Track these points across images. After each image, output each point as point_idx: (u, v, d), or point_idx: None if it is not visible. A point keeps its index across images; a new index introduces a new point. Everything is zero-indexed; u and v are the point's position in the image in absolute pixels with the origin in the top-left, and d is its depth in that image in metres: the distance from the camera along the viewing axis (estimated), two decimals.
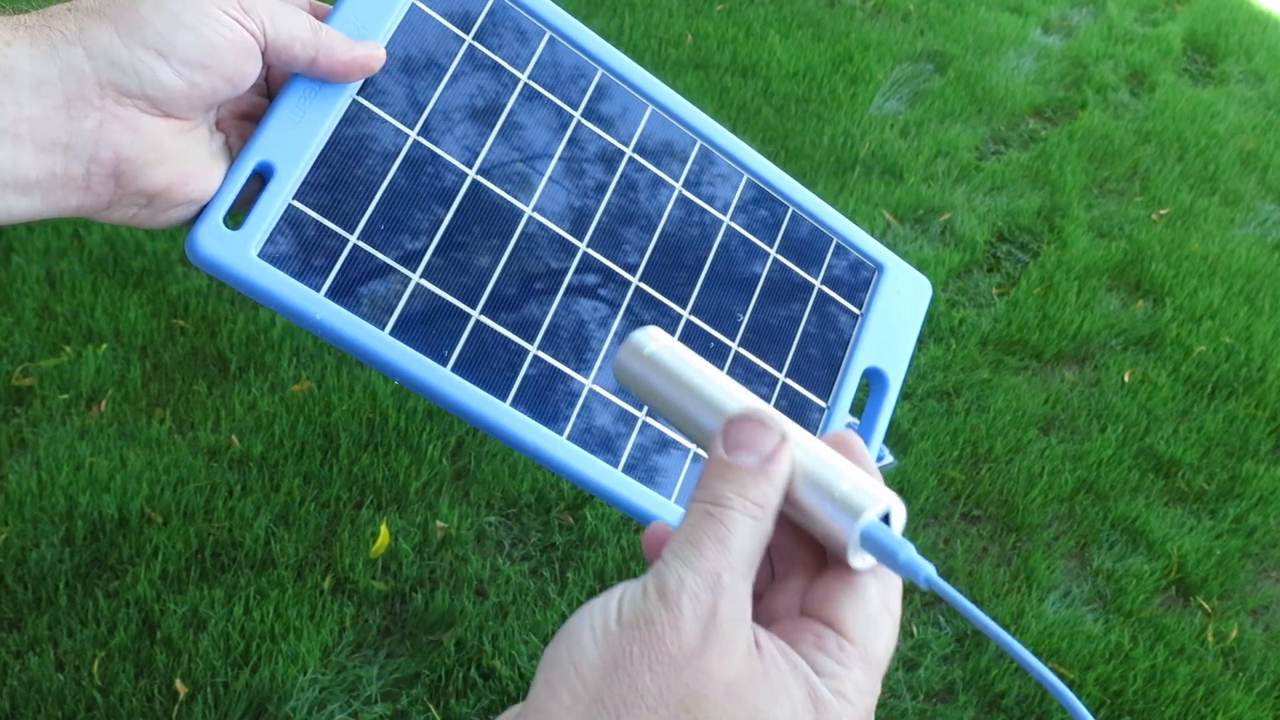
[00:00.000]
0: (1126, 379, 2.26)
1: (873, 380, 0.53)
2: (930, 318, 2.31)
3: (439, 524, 1.69)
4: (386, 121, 0.44)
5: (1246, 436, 2.16)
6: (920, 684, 1.63)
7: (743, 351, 0.49)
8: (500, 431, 0.43)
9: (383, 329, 0.42)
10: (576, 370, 0.46)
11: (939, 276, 2.43)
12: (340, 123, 0.44)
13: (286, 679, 1.45)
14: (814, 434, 0.47)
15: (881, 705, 1.60)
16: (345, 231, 0.43)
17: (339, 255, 0.42)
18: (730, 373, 0.49)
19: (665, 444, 0.48)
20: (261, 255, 0.41)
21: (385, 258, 0.43)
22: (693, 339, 0.48)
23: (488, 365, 0.44)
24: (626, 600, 0.30)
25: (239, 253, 0.41)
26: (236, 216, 0.42)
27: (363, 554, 1.62)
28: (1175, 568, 1.88)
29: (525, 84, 0.48)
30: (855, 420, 0.51)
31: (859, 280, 0.53)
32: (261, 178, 0.42)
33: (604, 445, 0.45)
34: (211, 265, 0.40)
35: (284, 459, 1.73)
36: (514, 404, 0.44)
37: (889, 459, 1.96)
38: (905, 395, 2.11)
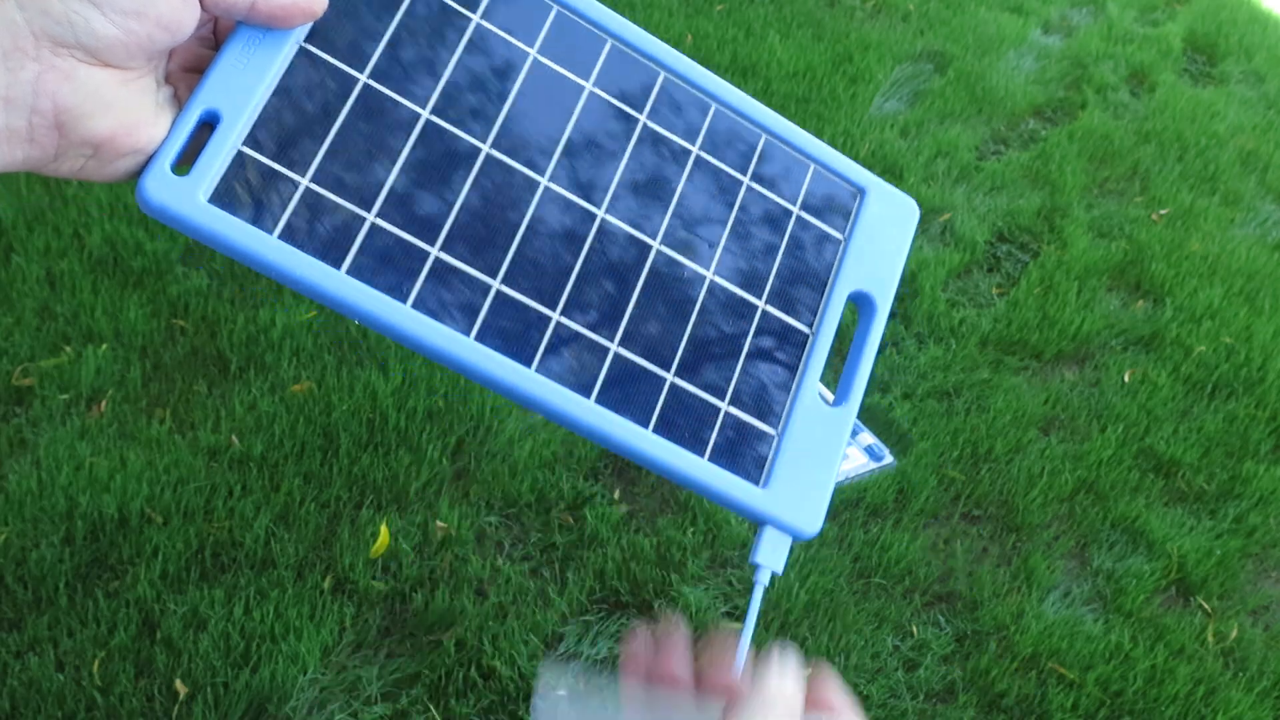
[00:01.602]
0: (1126, 379, 2.26)
1: (860, 304, 0.51)
2: (930, 318, 2.31)
3: (439, 524, 1.69)
4: (335, 65, 0.45)
5: (1246, 436, 2.16)
6: (920, 684, 1.63)
7: (718, 280, 0.48)
8: (451, 359, 0.43)
9: (339, 268, 0.42)
10: (548, 307, 0.45)
11: (939, 276, 2.43)
12: (288, 70, 0.44)
13: (286, 679, 1.46)
14: (799, 359, 0.48)
15: (881, 705, 1.60)
16: (297, 175, 0.42)
17: (291, 198, 0.42)
18: (705, 302, 0.48)
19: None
20: (211, 201, 0.41)
21: (339, 199, 0.43)
22: (662, 268, 0.47)
23: (449, 301, 0.43)
24: None
25: (187, 198, 0.41)
26: (186, 167, 0.42)
27: (363, 554, 1.62)
28: (1175, 568, 1.88)
29: (478, 24, 0.47)
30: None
31: (840, 205, 0.52)
32: (209, 126, 0.42)
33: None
34: (161, 212, 0.41)
35: (284, 459, 1.73)
36: (479, 338, 0.43)
37: (889, 459, 1.96)
38: (905, 395, 2.12)
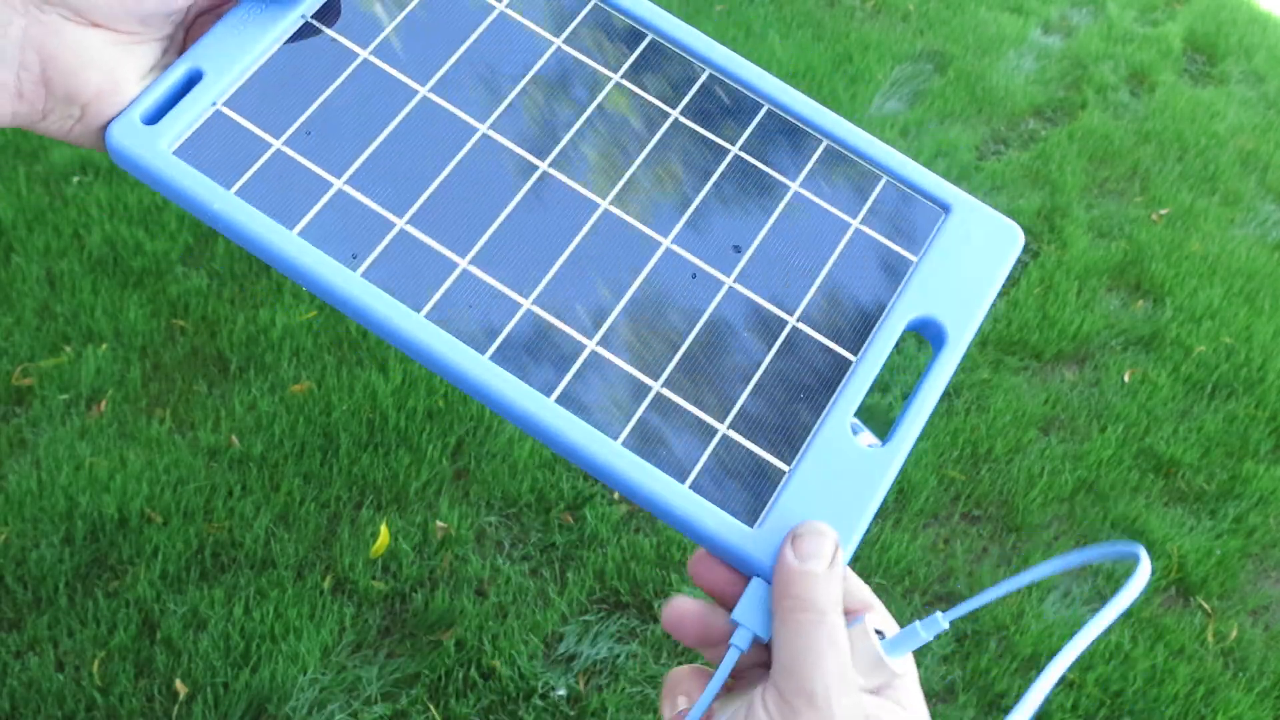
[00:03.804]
0: (1126, 379, 2.26)
1: (928, 334, 0.45)
2: None
3: (439, 524, 1.69)
4: (337, 40, 0.44)
5: (1246, 436, 2.16)
6: (920, 684, 1.63)
7: (738, 288, 0.42)
8: (392, 333, 0.40)
9: (291, 228, 0.40)
10: (518, 292, 0.41)
11: None
12: (288, 40, 0.44)
13: (286, 679, 1.46)
14: (833, 388, 0.42)
15: None
16: (271, 137, 0.42)
17: (259, 158, 0.42)
18: (717, 311, 0.42)
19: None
20: (177, 152, 0.41)
21: (309, 163, 0.42)
22: (669, 268, 0.42)
23: (407, 273, 0.41)
24: (775, 714, 0.35)
25: (149, 146, 0.41)
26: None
27: (363, 554, 1.62)
28: (1175, 568, 1.88)
29: (502, 13, 0.46)
30: (867, 432, 0.43)
31: (915, 222, 0.45)
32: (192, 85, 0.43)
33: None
34: (122, 157, 0.40)
35: (284, 459, 1.73)
36: (429, 316, 0.40)
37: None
38: (905, 395, 2.11)
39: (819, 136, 0.46)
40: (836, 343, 0.43)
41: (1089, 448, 2.07)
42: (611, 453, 0.39)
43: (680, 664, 1.58)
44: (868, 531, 1.83)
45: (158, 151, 0.41)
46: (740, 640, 0.37)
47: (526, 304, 0.41)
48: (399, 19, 0.45)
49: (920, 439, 2.01)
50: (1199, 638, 1.78)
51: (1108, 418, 2.15)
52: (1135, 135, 3.13)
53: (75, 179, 2.26)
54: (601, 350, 0.41)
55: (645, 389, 0.40)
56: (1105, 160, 3.00)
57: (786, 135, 0.46)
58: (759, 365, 0.41)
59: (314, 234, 0.41)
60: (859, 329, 0.43)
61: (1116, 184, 2.93)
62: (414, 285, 0.41)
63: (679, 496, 0.39)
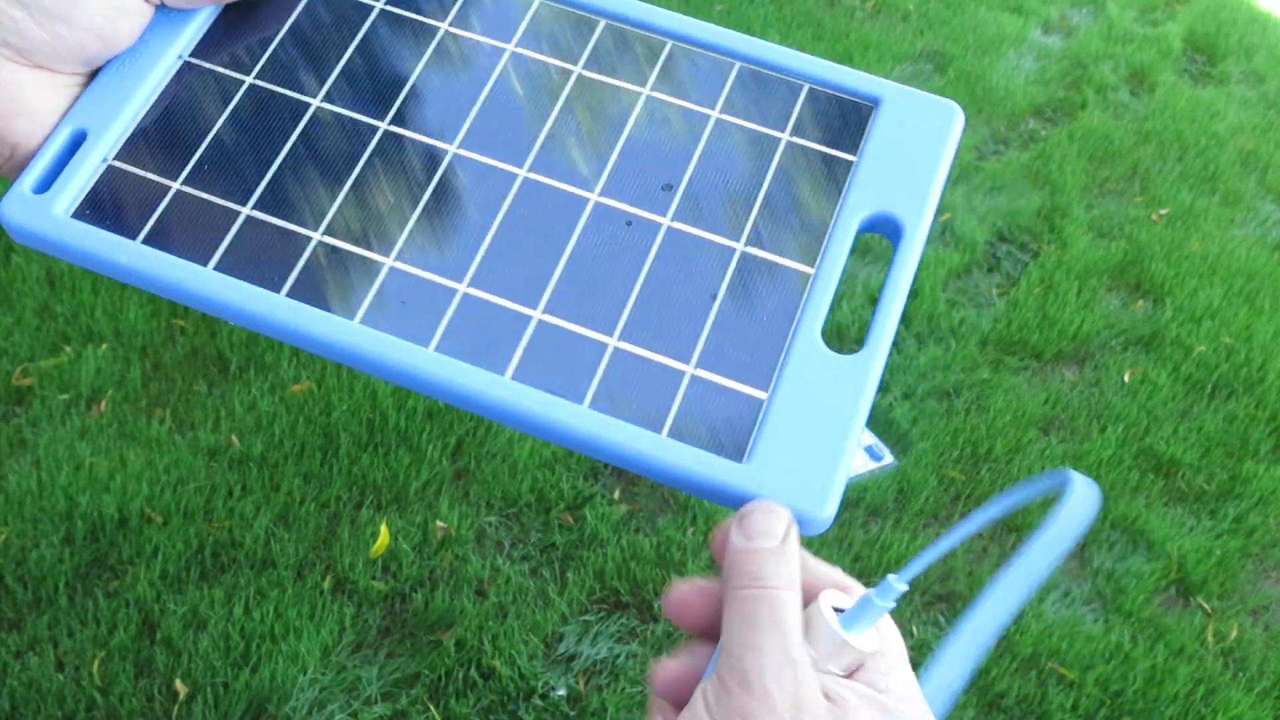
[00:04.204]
0: (1126, 379, 2.26)
1: (885, 231, 0.43)
2: (930, 318, 2.31)
3: (439, 524, 1.69)
4: (220, 72, 0.43)
5: (1246, 436, 2.16)
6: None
7: (677, 225, 0.41)
8: (328, 346, 0.39)
9: (205, 264, 0.40)
10: (453, 279, 0.40)
11: (939, 277, 2.43)
12: (168, 83, 0.43)
13: (286, 679, 1.46)
14: (795, 305, 0.40)
15: None
16: (168, 180, 0.41)
17: (160, 203, 0.41)
18: (660, 253, 0.41)
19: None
20: (75, 215, 0.40)
21: (212, 196, 0.41)
22: (602, 221, 0.41)
23: (331, 284, 0.40)
24: (713, 702, 0.32)
25: (42, 214, 0.39)
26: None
27: (363, 554, 1.62)
28: (1175, 568, 1.88)
29: (382, 10, 0.45)
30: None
31: (847, 123, 0.44)
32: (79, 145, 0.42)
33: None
34: (18, 232, 0.39)
35: (284, 459, 1.73)
36: (364, 321, 0.39)
37: (889, 459, 1.96)
38: (905, 395, 2.11)
39: (730, 60, 0.45)
40: (790, 259, 0.41)
41: (1089, 448, 2.07)
42: (580, 418, 0.37)
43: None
44: (869, 534, 1.83)
45: (53, 218, 0.40)
46: None
47: (462, 288, 0.40)
48: (281, 34, 0.44)
49: (920, 439, 2.01)
50: (1199, 638, 1.78)
51: (1108, 418, 2.15)
52: (1135, 135, 3.13)
53: None
54: (548, 318, 0.39)
55: (602, 347, 0.39)
56: (1105, 160, 3.00)
57: (697, 66, 0.45)
58: (714, 298, 0.40)
59: (231, 265, 0.40)
60: (812, 241, 0.41)
61: (1116, 184, 2.93)
62: (340, 293, 0.40)
63: (659, 447, 0.37)
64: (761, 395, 0.38)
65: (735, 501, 0.37)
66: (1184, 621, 1.80)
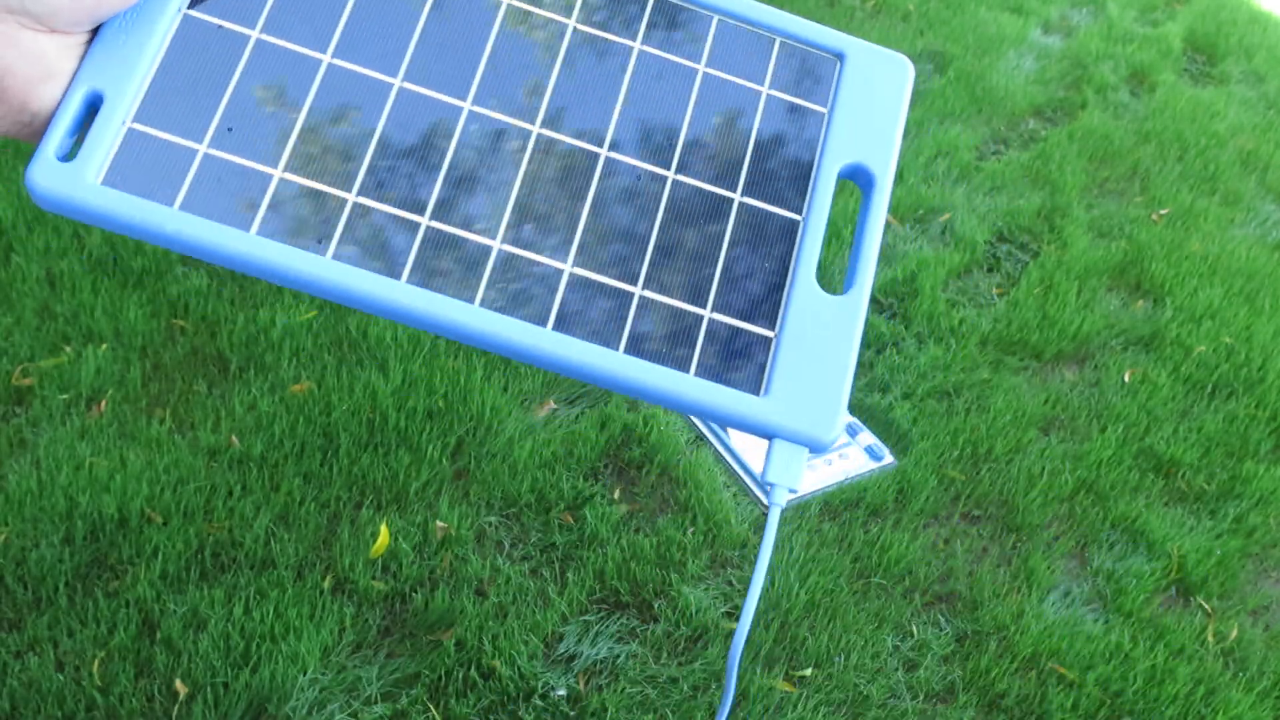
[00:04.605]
0: (1126, 379, 2.26)
1: (857, 179, 0.47)
2: (930, 318, 2.31)
3: (439, 524, 1.69)
4: (222, 26, 0.43)
5: (1246, 436, 2.16)
6: (920, 684, 1.63)
7: (682, 178, 0.44)
8: (380, 306, 0.40)
9: (248, 229, 0.40)
10: (486, 236, 0.42)
11: (939, 276, 2.43)
12: (174, 38, 0.42)
13: (286, 679, 1.46)
14: (790, 250, 0.44)
15: (881, 705, 1.60)
16: (193, 143, 0.41)
17: (189, 167, 0.41)
18: (670, 205, 0.44)
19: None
20: (107, 183, 0.40)
21: (243, 159, 0.41)
22: (614, 174, 0.44)
23: (374, 245, 0.41)
24: None
25: (76, 183, 0.39)
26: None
27: (363, 554, 1.62)
28: (1175, 568, 1.88)
29: None
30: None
31: (817, 75, 0.47)
32: (97, 108, 0.41)
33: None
34: (52, 202, 0.39)
35: (284, 459, 1.73)
36: (411, 280, 0.40)
37: (888, 459, 1.96)
38: (905, 395, 2.12)
39: (708, 13, 0.47)
40: (782, 207, 0.45)
41: (1089, 448, 2.07)
42: (618, 364, 0.41)
43: (680, 665, 1.58)
44: (869, 534, 1.83)
45: (87, 187, 0.39)
46: (779, 498, 0.42)
47: (496, 244, 0.42)
48: None
49: (920, 439, 2.01)
50: (1199, 638, 1.78)
51: (1108, 418, 2.15)
52: (1135, 135, 3.13)
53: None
54: (579, 271, 0.42)
55: (629, 296, 0.42)
56: (1105, 160, 3.00)
57: (679, 20, 0.47)
58: (720, 247, 0.44)
59: (273, 228, 0.40)
60: (797, 189, 0.45)
61: (1116, 184, 2.93)
62: (384, 254, 0.41)
63: (690, 386, 0.41)
64: (770, 334, 0.43)
65: (759, 431, 0.42)
66: (1184, 621, 1.80)
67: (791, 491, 0.41)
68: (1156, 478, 2.05)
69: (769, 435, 0.42)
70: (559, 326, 0.41)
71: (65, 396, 1.78)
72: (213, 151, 0.41)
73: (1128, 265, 2.60)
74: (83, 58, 0.41)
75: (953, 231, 2.61)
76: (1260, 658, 1.77)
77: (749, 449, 1.92)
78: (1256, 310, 2.52)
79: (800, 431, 0.41)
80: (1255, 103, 3.48)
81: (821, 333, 0.43)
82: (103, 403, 1.78)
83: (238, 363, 1.88)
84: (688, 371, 0.42)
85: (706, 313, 0.43)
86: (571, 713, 1.50)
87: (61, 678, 1.42)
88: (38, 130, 0.40)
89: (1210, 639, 1.78)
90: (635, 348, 0.41)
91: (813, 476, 1.90)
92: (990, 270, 2.54)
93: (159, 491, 1.65)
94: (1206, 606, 1.84)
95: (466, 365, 1.95)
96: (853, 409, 2.06)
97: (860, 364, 2.15)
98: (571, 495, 1.77)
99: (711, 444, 1.93)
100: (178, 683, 1.44)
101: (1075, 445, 2.08)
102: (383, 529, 1.66)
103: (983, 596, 1.77)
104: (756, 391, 0.42)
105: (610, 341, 0.41)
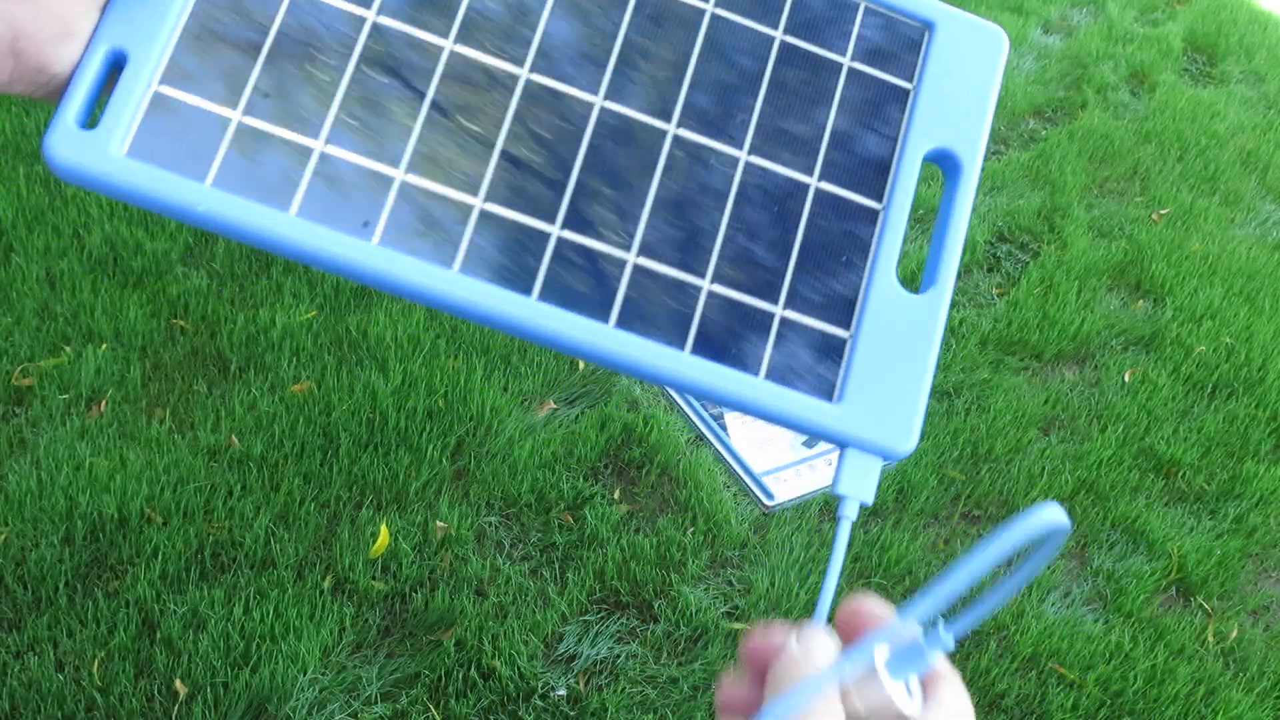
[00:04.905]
0: (1126, 379, 2.26)
1: (942, 164, 0.42)
2: None
3: (439, 524, 1.69)
4: None
5: (1246, 436, 2.16)
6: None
7: (755, 160, 0.40)
8: (429, 297, 0.37)
9: (286, 210, 0.37)
10: (545, 220, 0.38)
11: None
12: None
13: (286, 679, 1.45)
14: (870, 242, 0.40)
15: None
16: (226, 109, 0.37)
17: (222, 137, 0.37)
18: (741, 190, 0.40)
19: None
20: (132, 155, 0.36)
21: (279, 129, 0.37)
22: (683, 155, 0.40)
23: (423, 228, 0.37)
24: None
25: (98, 154, 0.36)
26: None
27: (363, 554, 1.62)
28: (1175, 568, 1.88)
29: None
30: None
31: (903, 46, 0.42)
32: (120, 69, 0.37)
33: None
34: (71, 174, 0.36)
35: (284, 459, 1.73)
36: (464, 270, 0.37)
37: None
38: None
39: None
40: (862, 194, 0.41)
41: (1089, 448, 2.07)
42: (683, 365, 0.38)
43: (680, 665, 1.58)
44: (869, 534, 1.82)
45: (110, 158, 0.36)
46: (850, 511, 0.38)
47: (555, 231, 0.38)
48: None
49: (920, 439, 2.01)
50: (1199, 638, 1.78)
51: (1108, 418, 2.15)
52: (1135, 135, 3.13)
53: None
54: (644, 261, 0.39)
55: (696, 290, 0.39)
56: (1105, 160, 3.00)
57: None
58: (794, 239, 0.40)
59: (314, 209, 0.37)
60: (878, 174, 0.41)
61: (1116, 184, 2.93)
62: (433, 239, 0.37)
63: (758, 391, 0.38)
64: (844, 334, 0.39)
65: (831, 439, 0.38)
66: (1184, 621, 1.80)
67: (864, 505, 0.38)
68: (1156, 478, 2.05)
69: (842, 444, 0.38)
70: (622, 325, 0.38)
71: (65, 396, 1.78)
72: (248, 120, 0.37)
73: (1128, 265, 2.60)
74: (99, 11, 0.38)
75: None
76: (1260, 658, 1.77)
77: (749, 449, 1.92)
78: (1256, 310, 2.52)
79: (876, 441, 0.38)
80: (1255, 103, 3.48)
81: (900, 334, 0.40)
82: (103, 403, 1.78)
83: (238, 363, 1.88)
84: (757, 374, 0.38)
85: (779, 310, 0.39)
86: (571, 713, 1.50)
87: (61, 678, 1.42)
88: (55, 91, 0.38)
89: (1210, 639, 1.78)
90: (702, 348, 0.38)
91: (812, 477, 1.90)
92: (990, 270, 2.54)
93: (159, 491, 1.65)
94: (1206, 606, 1.84)
95: (466, 365, 1.95)
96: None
97: None
98: (571, 495, 1.77)
99: (711, 444, 1.93)
100: (178, 683, 1.44)
101: (1075, 445, 2.08)
102: (383, 529, 1.66)
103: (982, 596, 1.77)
104: (829, 397, 0.39)
105: (676, 341, 0.38)
